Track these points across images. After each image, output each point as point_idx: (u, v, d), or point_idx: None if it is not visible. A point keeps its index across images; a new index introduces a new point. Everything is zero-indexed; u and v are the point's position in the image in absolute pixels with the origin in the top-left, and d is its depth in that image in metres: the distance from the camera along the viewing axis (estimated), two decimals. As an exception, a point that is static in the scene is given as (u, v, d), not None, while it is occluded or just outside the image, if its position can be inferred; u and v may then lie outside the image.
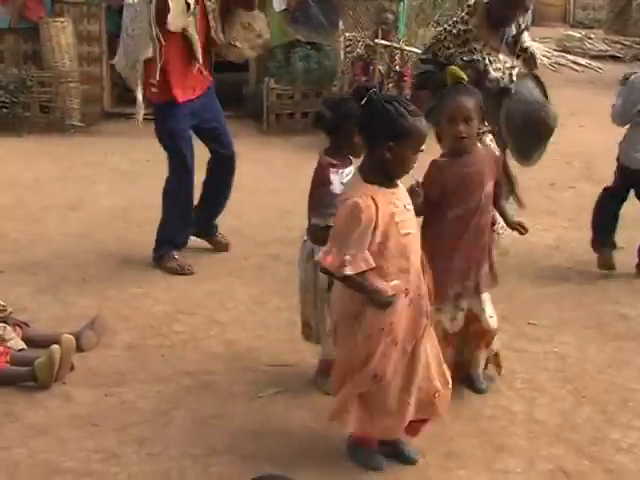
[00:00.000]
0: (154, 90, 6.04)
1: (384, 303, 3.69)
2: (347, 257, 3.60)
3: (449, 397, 3.99)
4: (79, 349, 4.95)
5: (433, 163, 4.41)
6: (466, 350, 4.65)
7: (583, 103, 13.82)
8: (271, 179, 8.91)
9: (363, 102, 3.70)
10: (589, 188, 8.75)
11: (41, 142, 10.39)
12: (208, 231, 6.81)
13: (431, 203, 4.31)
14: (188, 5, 5.99)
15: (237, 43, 6.45)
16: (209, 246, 6.80)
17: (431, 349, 3.93)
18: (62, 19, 10.89)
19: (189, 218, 6.50)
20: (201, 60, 6.21)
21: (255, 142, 10.38)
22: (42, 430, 4.27)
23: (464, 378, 4.65)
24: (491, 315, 4.58)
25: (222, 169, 6.60)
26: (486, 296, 4.59)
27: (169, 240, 6.42)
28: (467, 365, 4.68)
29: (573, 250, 6.93)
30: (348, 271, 3.60)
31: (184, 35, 6.08)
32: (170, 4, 5.88)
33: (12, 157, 9.66)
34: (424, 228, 4.33)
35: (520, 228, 4.69)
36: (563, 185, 8.91)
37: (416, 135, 3.63)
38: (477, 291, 4.54)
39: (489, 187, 4.46)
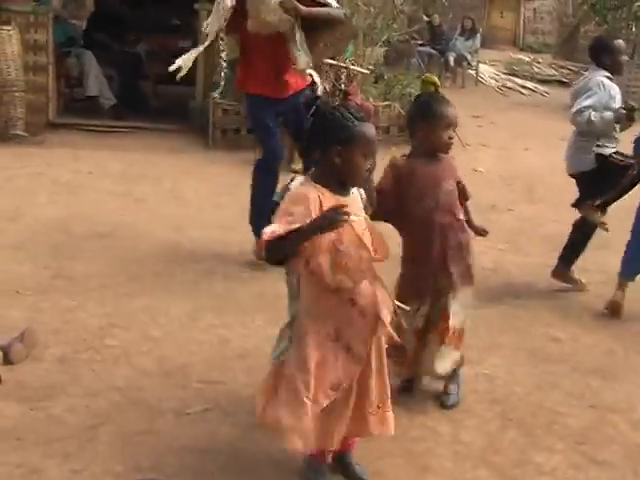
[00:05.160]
0: None
1: (333, 220, 3.45)
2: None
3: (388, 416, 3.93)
4: (8, 362, 4.90)
5: (390, 163, 4.58)
6: (434, 346, 4.67)
7: (528, 126, 14.04)
8: (214, 194, 8.89)
9: (311, 112, 3.73)
10: (528, 210, 8.87)
11: (-17, 151, 10.26)
12: None
13: (390, 203, 4.45)
14: None
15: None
16: (141, 258, 6.78)
17: (376, 361, 3.85)
18: (8, 27, 10.78)
19: None
20: None
21: (200, 157, 10.39)
22: (-35, 444, 4.20)
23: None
24: (455, 312, 4.65)
25: None
26: (459, 294, 4.67)
27: None
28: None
29: (509, 273, 7.01)
30: (277, 230, 3.47)
31: None
32: None
33: (-48, 165, 9.53)
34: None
35: (481, 231, 4.92)
36: (503, 207, 9.01)
37: (363, 139, 3.63)
38: (452, 288, 4.62)
39: (447, 186, 4.59)
